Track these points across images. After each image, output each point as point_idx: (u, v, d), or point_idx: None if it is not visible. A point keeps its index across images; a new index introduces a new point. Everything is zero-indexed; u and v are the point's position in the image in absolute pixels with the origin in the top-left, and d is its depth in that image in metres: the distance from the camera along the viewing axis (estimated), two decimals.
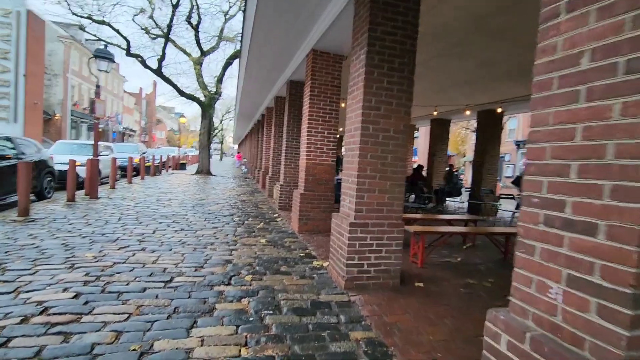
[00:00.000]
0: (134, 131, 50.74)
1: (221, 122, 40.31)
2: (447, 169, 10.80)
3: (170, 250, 4.43)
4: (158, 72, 13.99)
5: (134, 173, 14.84)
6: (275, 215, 7.34)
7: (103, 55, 7.79)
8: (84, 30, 7.85)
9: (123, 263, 3.69)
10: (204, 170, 17.33)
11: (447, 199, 9.80)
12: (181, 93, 15.58)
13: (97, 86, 8.14)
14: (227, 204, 8.56)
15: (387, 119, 3.62)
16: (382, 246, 3.69)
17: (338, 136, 8.42)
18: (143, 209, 7.05)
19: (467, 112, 8.51)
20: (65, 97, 31.47)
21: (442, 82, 7.73)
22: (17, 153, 7.28)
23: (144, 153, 17.52)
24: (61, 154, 10.67)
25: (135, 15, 14.70)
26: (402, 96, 3.60)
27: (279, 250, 4.71)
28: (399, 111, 3.62)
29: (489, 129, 9.67)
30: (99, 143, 12.78)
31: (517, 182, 10.13)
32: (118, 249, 4.23)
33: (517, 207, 8.67)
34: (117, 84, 43.69)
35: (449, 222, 6.06)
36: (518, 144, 28.21)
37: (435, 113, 9.11)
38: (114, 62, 8.30)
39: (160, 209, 7.16)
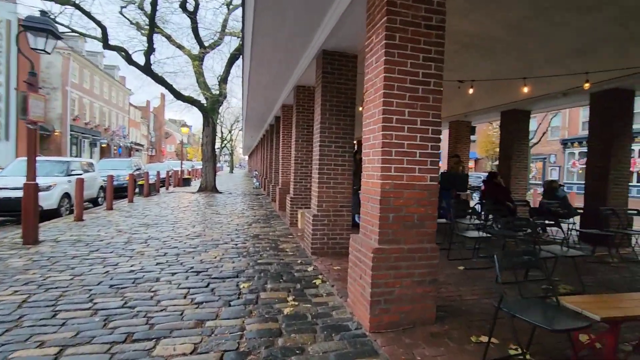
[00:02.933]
0: (142, 145, 48.93)
1: (230, 132, 37.86)
2: (549, 180, 7.75)
3: None
4: (146, 69, 11.40)
5: (118, 195, 12.19)
6: (310, 273, 4.39)
7: (37, 26, 5.09)
8: (49, 17, 5.73)
9: None
10: (209, 187, 14.58)
11: (546, 221, 6.68)
12: (177, 95, 12.95)
13: (32, 73, 5.45)
14: (232, 245, 5.66)
15: None
16: None
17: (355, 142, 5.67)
18: (90, 268, 4.21)
19: (587, 85, 5.55)
20: (64, 112, 29.57)
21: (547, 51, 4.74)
22: None
23: (138, 169, 14.90)
24: (14, 176, 8.03)
25: (123, 7, 12.23)
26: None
27: None
28: None
29: (617, 120, 6.55)
30: (74, 160, 10.15)
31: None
32: None
33: None
34: (122, 96, 41.98)
35: None
36: (565, 143, 24.74)
37: (525, 89, 6.00)
38: (59, 38, 5.62)
39: (118, 268, 4.30)
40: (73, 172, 9.22)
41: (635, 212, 6.11)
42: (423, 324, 2.84)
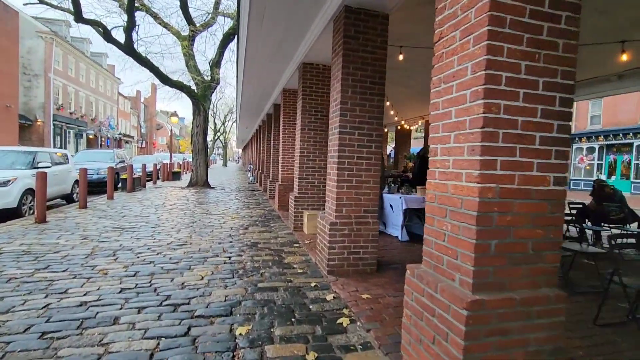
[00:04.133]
0: (132, 137, 47.20)
1: (223, 124, 36.41)
2: (598, 178, 6.69)
3: None
4: (127, 47, 10.03)
5: (98, 190, 10.97)
6: (332, 305, 3.24)
7: None
8: None
9: None
10: (200, 182, 13.33)
11: (592, 227, 5.61)
12: (164, 79, 11.60)
13: None
14: (224, 258, 4.49)
15: None
16: None
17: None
18: (25, 299, 3.01)
19: None
20: (47, 100, 27.84)
21: None
22: None
23: (122, 161, 13.58)
24: None
25: None
26: None
27: None
28: None
29: None
30: (42, 150, 8.85)
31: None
32: None
33: None
34: (110, 85, 40.17)
35: None
36: (572, 138, 23.83)
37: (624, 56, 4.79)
38: None
39: (65, 299, 3.12)
40: (40, 165, 7.92)
41: None
42: None
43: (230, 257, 4.43)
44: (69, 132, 31.33)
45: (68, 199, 9.58)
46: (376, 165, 4.00)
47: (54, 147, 28.27)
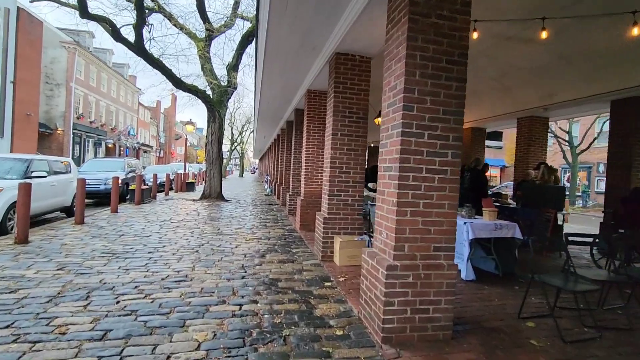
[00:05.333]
0: (150, 147, 47.45)
1: (240, 134, 35.85)
2: None
3: None
4: (137, 46, 9.22)
5: (107, 202, 10.10)
6: None
7: None
8: None
9: None
10: (213, 194, 12.32)
11: None
12: (177, 83, 10.74)
13: None
14: (232, 308, 3.29)
15: None
16: None
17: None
18: None
19: None
20: (68, 109, 27.95)
21: None
22: None
23: (133, 171, 12.75)
24: None
25: None
26: None
27: None
28: None
29: None
30: (38, 158, 8.00)
31: None
32: None
33: None
34: (131, 96, 40.54)
35: None
36: None
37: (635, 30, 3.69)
38: None
39: None
40: (33, 174, 7.04)
41: None
42: None
43: (240, 306, 3.23)
44: (89, 141, 31.38)
45: (69, 212, 8.68)
46: (453, 182, 2.76)
47: (73, 156, 28.23)
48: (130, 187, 11.31)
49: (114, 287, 3.55)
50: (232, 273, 4.21)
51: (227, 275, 4.13)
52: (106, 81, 34.09)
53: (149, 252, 5.01)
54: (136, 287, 3.58)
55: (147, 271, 4.14)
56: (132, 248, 5.21)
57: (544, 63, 5.59)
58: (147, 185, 13.18)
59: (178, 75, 10.82)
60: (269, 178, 20.29)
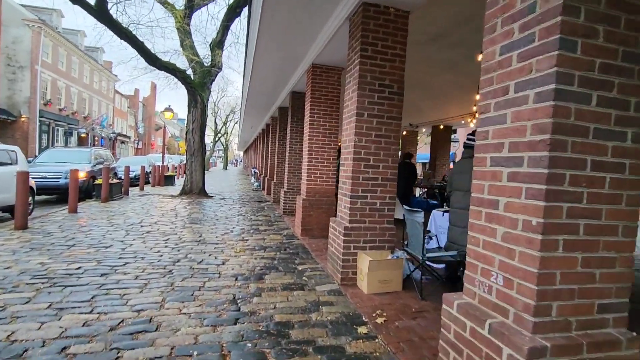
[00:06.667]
0: (128, 137, 44.84)
1: (225, 124, 34.00)
2: None
3: None
4: (100, 11, 7.54)
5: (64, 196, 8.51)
6: None
7: None
8: None
9: None
10: (195, 189, 10.83)
11: None
12: (151, 59, 9.10)
13: None
14: None
15: None
16: None
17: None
18: None
19: None
20: (33, 95, 25.45)
21: None
22: None
23: (101, 162, 11.08)
24: None
25: None
26: None
27: None
28: None
29: None
30: None
31: None
32: None
33: None
34: (106, 82, 37.86)
35: None
36: None
37: None
38: None
39: None
40: None
41: None
42: None
43: None
44: (58, 130, 28.93)
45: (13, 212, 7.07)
46: (636, 186, 1.52)
47: (40, 146, 25.86)
48: (97, 182, 9.70)
49: (25, 351, 2.17)
50: (219, 313, 2.88)
51: (212, 317, 2.80)
52: (77, 65, 31.48)
53: (102, 275, 3.61)
54: (63, 350, 2.21)
55: (91, 312, 2.76)
56: (79, 268, 3.79)
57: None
58: (119, 179, 11.56)
59: (153, 51, 9.19)
60: (257, 171, 18.82)
